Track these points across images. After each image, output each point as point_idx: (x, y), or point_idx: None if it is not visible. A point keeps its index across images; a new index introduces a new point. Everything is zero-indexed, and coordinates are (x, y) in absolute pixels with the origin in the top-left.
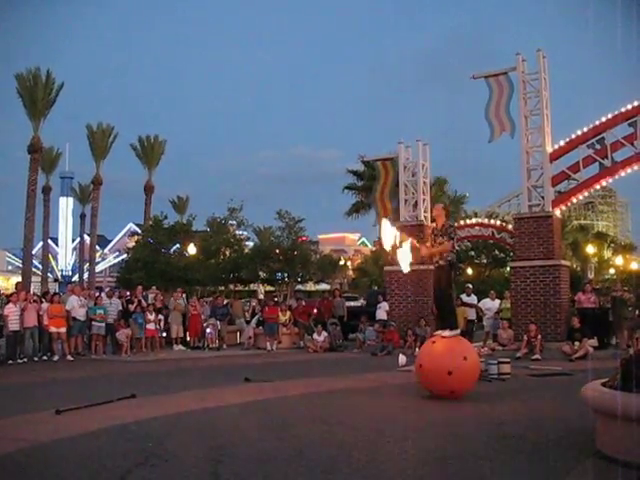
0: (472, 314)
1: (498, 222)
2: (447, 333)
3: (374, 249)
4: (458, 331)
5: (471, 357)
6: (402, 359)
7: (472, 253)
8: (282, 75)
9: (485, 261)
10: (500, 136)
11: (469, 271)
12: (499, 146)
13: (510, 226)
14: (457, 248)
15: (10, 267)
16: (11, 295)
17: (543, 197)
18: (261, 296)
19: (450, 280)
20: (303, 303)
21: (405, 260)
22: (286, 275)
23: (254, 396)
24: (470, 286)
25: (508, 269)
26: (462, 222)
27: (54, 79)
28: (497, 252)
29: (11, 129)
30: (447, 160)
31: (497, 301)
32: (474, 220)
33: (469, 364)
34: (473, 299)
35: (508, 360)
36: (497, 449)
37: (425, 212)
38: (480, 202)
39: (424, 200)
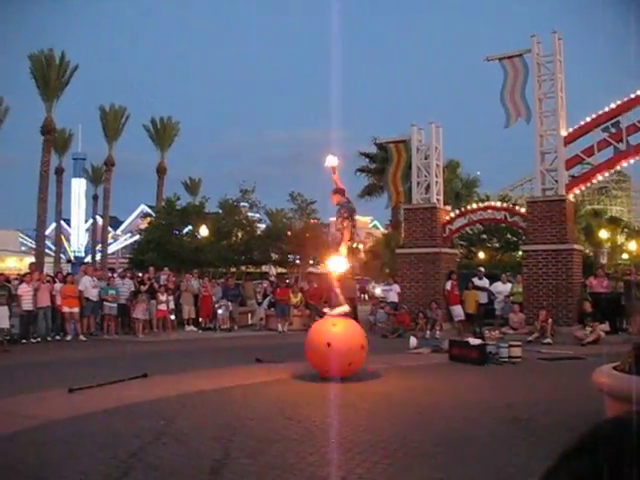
0: (483, 297)
1: (510, 205)
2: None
3: (386, 232)
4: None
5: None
6: (413, 341)
7: (484, 236)
8: (290, 54)
9: (497, 244)
10: (516, 121)
11: (481, 254)
12: (512, 129)
13: (523, 209)
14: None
15: (23, 248)
16: (25, 275)
17: (557, 181)
18: (272, 278)
19: None
20: (314, 285)
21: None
22: (298, 257)
23: (265, 377)
24: (482, 269)
25: (520, 253)
26: (474, 205)
27: (68, 61)
28: (509, 235)
29: (24, 109)
30: (460, 142)
31: (508, 284)
32: (486, 203)
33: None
34: (485, 282)
35: (519, 343)
36: (507, 432)
37: (438, 195)
38: (493, 186)
39: (437, 183)
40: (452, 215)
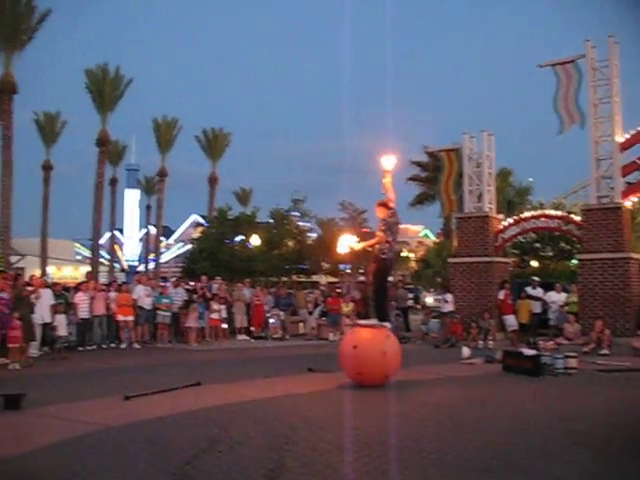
0: (537, 307)
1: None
2: (367, 322)
3: (437, 240)
4: (386, 324)
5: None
6: (465, 351)
7: (537, 245)
8: (341, 63)
9: (551, 253)
10: (570, 128)
11: (534, 263)
12: (566, 135)
13: (577, 217)
14: (390, 239)
15: (79, 257)
16: (81, 284)
17: (612, 188)
18: (323, 287)
19: (385, 274)
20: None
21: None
22: (349, 266)
23: (317, 386)
24: (535, 278)
25: (575, 261)
26: (527, 213)
27: (122, 74)
28: (563, 244)
29: (80, 123)
30: (512, 150)
31: (563, 294)
32: (539, 212)
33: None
34: (538, 292)
35: (575, 354)
36: (563, 445)
37: (490, 203)
38: (546, 193)
39: (489, 191)
40: (505, 224)
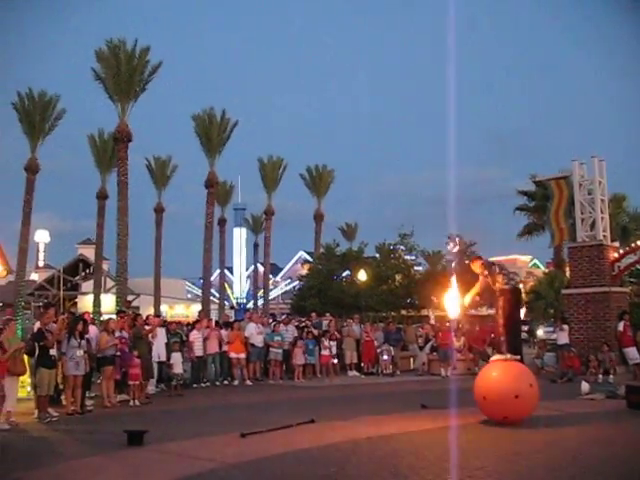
0: None
1: None
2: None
3: (547, 271)
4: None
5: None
6: (585, 387)
7: None
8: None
9: None
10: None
11: None
12: None
13: None
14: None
15: (189, 295)
16: (196, 322)
17: None
18: (433, 321)
19: (514, 305)
20: (477, 328)
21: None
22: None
23: (432, 423)
24: None
25: None
26: None
27: (228, 118)
28: None
29: (188, 165)
30: (625, 174)
31: None
32: None
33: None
34: None
35: None
36: None
37: (604, 231)
38: None
39: (602, 218)
40: (621, 252)
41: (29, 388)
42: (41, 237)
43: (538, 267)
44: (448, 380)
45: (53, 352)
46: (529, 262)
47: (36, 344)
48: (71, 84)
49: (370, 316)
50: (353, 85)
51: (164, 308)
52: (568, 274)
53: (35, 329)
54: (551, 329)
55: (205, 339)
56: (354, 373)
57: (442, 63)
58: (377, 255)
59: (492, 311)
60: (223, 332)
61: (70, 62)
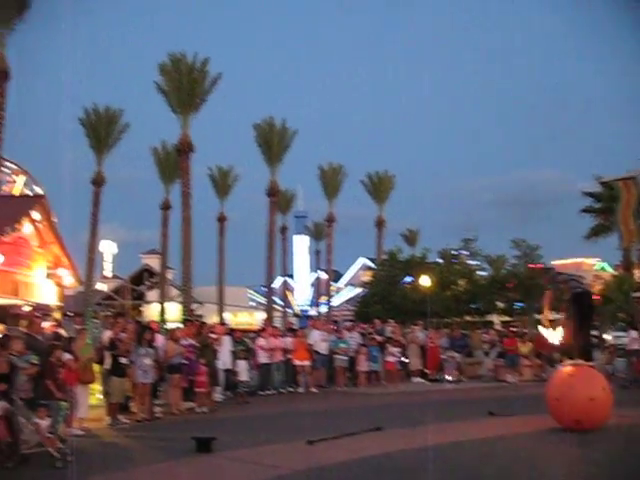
0: None
1: None
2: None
3: (616, 273)
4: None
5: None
6: None
7: None
8: (506, 98)
9: None
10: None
11: None
12: None
13: None
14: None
15: (252, 303)
16: (260, 330)
17: None
18: (497, 327)
19: (586, 309)
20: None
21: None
22: (525, 305)
23: (501, 430)
24: None
25: None
26: None
27: (288, 127)
28: None
29: (248, 173)
30: None
31: None
32: None
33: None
34: None
35: None
36: None
37: None
38: None
39: None
40: None
41: (99, 395)
42: (108, 248)
43: (605, 270)
44: (515, 386)
45: (124, 361)
46: (595, 265)
47: (108, 353)
48: (134, 98)
49: (434, 322)
50: (415, 89)
51: (228, 316)
52: (638, 277)
53: (106, 338)
54: (621, 334)
55: (270, 346)
56: (418, 380)
57: (503, 66)
58: (440, 260)
59: (560, 316)
60: (287, 339)
61: (132, 77)
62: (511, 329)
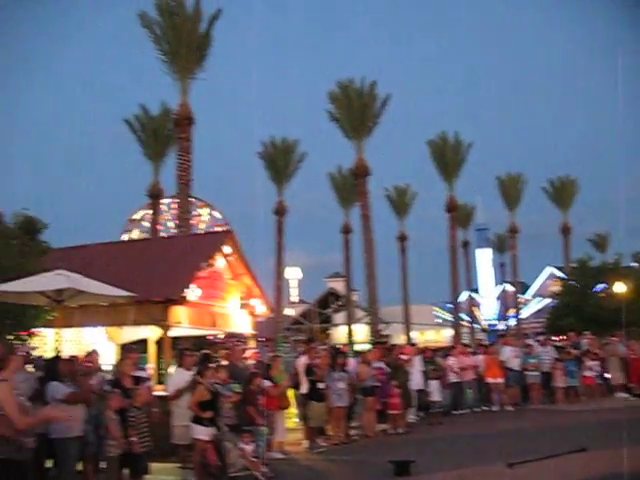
0: None
1: None
2: None
3: None
4: None
5: None
6: None
7: None
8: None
9: None
10: None
11: None
12: None
13: None
14: None
15: (438, 320)
16: (450, 349)
17: None
18: None
19: None
20: None
21: None
22: None
23: None
24: None
25: None
26: None
27: (462, 140)
28: None
29: (424, 190)
30: None
31: None
32: None
33: None
34: None
35: None
36: None
37: None
38: None
39: None
40: None
41: (295, 419)
42: (293, 274)
43: None
44: None
45: (321, 385)
46: None
47: (305, 378)
48: (307, 127)
49: (633, 332)
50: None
51: (414, 335)
52: None
53: (301, 364)
54: None
55: (460, 366)
56: (622, 395)
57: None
58: (635, 265)
59: None
60: (478, 357)
61: (303, 106)
62: None
